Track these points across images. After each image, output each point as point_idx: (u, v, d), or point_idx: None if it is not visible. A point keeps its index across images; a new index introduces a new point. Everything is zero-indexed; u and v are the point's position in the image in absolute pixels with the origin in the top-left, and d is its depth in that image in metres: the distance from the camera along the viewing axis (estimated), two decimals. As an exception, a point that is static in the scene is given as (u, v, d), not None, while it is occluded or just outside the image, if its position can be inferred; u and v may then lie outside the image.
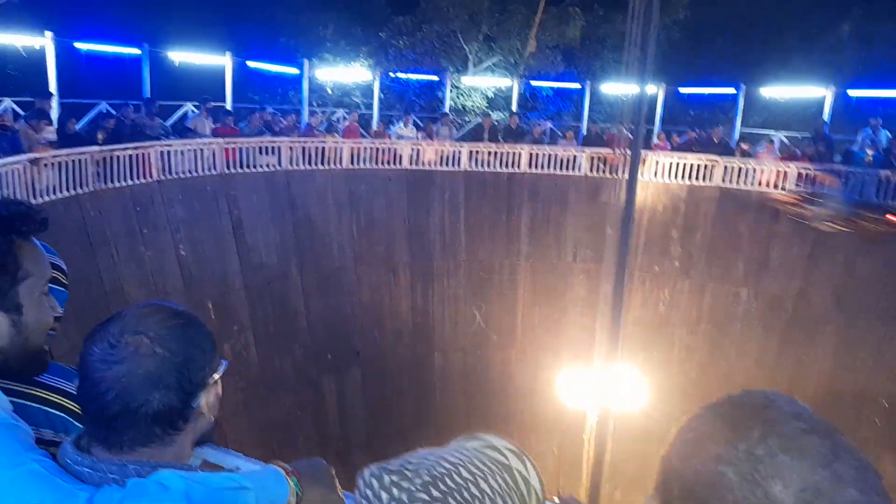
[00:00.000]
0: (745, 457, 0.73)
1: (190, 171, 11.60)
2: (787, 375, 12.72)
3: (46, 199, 9.14)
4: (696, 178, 13.90)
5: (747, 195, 13.58)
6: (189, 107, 13.94)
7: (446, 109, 17.11)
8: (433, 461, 0.84)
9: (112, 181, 10.34)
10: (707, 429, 0.79)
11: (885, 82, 16.74)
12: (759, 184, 13.58)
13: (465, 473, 0.82)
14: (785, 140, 16.54)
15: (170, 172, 11.33)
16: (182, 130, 12.72)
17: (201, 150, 11.88)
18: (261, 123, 13.32)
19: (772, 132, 17.30)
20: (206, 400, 1.19)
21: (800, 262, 12.89)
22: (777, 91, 17.43)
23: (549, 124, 17.50)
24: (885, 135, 14.13)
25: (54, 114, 11.11)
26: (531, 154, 14.54)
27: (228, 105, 14.34)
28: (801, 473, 0.70)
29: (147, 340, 1.10)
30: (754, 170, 13.71)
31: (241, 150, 12.45)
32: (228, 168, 12.16)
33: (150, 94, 13.32)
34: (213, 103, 13.35)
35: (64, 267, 1.83)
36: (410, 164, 14.14)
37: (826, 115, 15.98)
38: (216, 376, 1.20)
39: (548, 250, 14.21)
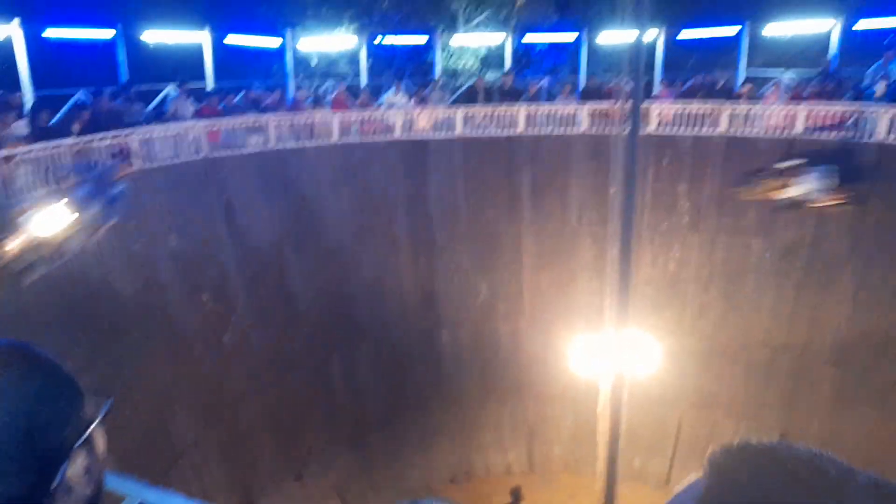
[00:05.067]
0: None
1: (174, 157, 11.16)
2: (804, 325, 12.40)
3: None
4: (701, 128, 13.33)
5: (755, 142, 13.03)
6: (169, 89, 13.40)
7: (437, 73, 16.47)
8: None
9: (93, 174, 9.92)
10: None
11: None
12: (767, 129, 13.01)
13: None
14: (792, 80, 15.83)
15: (153, 160, 10.90)
16: (164, 115, 12.23)
17: (184, 134, 11.42)
18: (243, 101, 12.79)
19: (778, 72, 16.58)
20: (74, 470, 0.88)
21: (812, 208, 12.39)
22: (781, 28, 16.64)
23: (545, 81, 16.84)
24: (896, 67, 13.46)
25: (26, 107, 10.63)
26: (528, 113, 13.95)
27: (210, 85, 13.79)
28: None
29: None
30: (761, 114, 13.12)
31: (225, 131, 11.97)
32: (214, 151, 11.70)
33: (127, 78, 12.81)
34: (193, 84, 12.85)
35: None
36: (404, 132, 13.61)
37: (833, 50, 15.28)
38: (87, 433, 0.90)
39: (551, 214, 13.74)
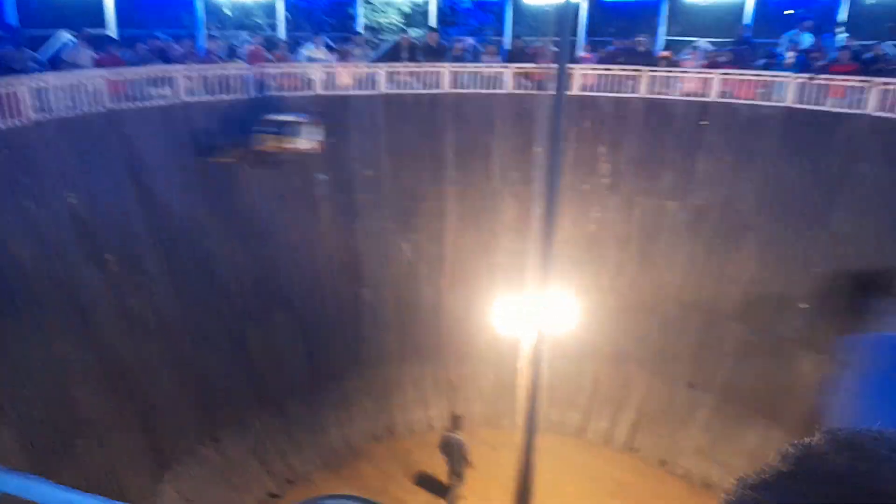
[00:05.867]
0: None
1: (72, 109, 10.33)
2: (713, 282, 12.94)
3: None
4: (622, 91, 13.53)
5: (673, 105, 13.36)
6: (67, 36, 12.36)
7: (360, 28, 15.93)
8: None
9: (-23, 124, 9.06)
10: None
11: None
12: (685, 93, 13.35)
13: None
14: (709, 47, 16.26)
15: (48, 111, 10.05)
16: (59, 63, 11.29)
17: (82, 84, 10.57)
18: (149, 51, 11.96)
19: (695, 39, 16.99)
20: None
21: (725, 172, 12.89)
22: (699, -5, 17.04)
23: (470, 40, 16.60)
24: (807, 37, 14.02)
25: None
26: (453, 73, 13.75)
27: (112, 32, 12.81)
28: None
29: None
30: (679, 79, 13.44)
31: (129, 82, 11.17)
32: (117, 103, 10.90)
33: (16, 22, 11.73)
34: (93, 31, 11.90)
35: None
36: (324, 89, 13.13)
37: (747, 20, 15.77)
38: None
39: (475, 174, 13.68)
